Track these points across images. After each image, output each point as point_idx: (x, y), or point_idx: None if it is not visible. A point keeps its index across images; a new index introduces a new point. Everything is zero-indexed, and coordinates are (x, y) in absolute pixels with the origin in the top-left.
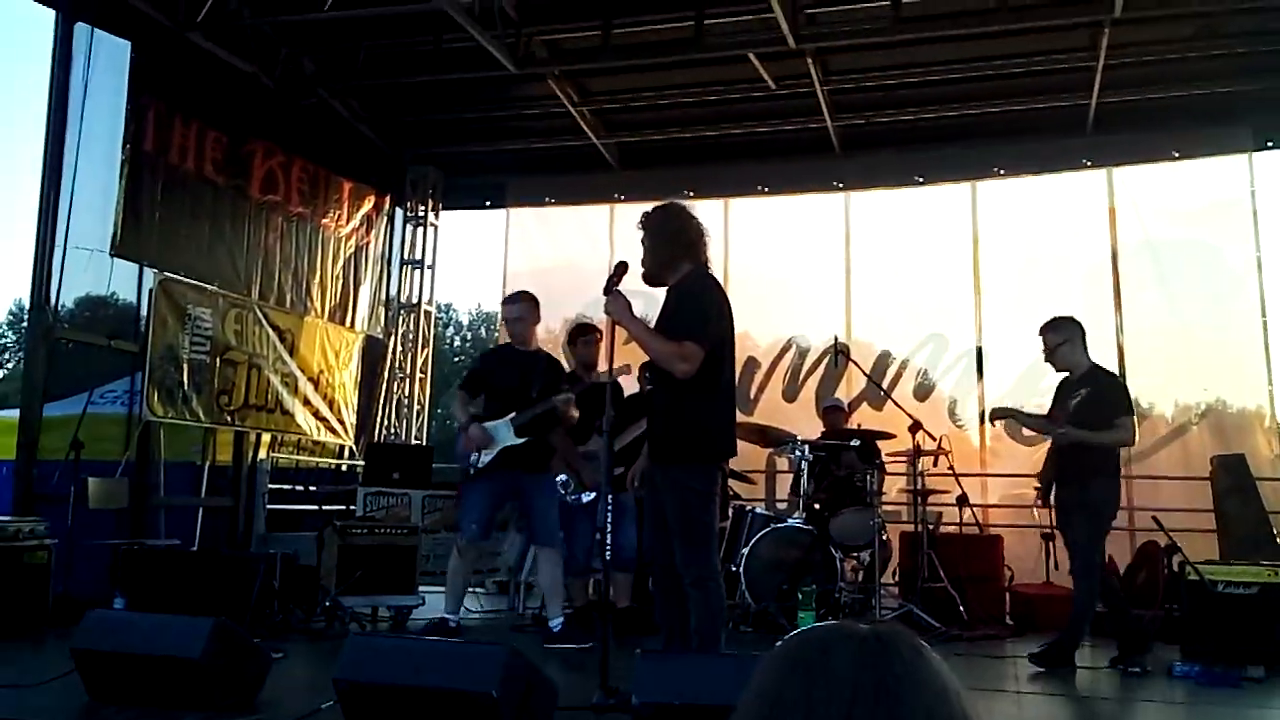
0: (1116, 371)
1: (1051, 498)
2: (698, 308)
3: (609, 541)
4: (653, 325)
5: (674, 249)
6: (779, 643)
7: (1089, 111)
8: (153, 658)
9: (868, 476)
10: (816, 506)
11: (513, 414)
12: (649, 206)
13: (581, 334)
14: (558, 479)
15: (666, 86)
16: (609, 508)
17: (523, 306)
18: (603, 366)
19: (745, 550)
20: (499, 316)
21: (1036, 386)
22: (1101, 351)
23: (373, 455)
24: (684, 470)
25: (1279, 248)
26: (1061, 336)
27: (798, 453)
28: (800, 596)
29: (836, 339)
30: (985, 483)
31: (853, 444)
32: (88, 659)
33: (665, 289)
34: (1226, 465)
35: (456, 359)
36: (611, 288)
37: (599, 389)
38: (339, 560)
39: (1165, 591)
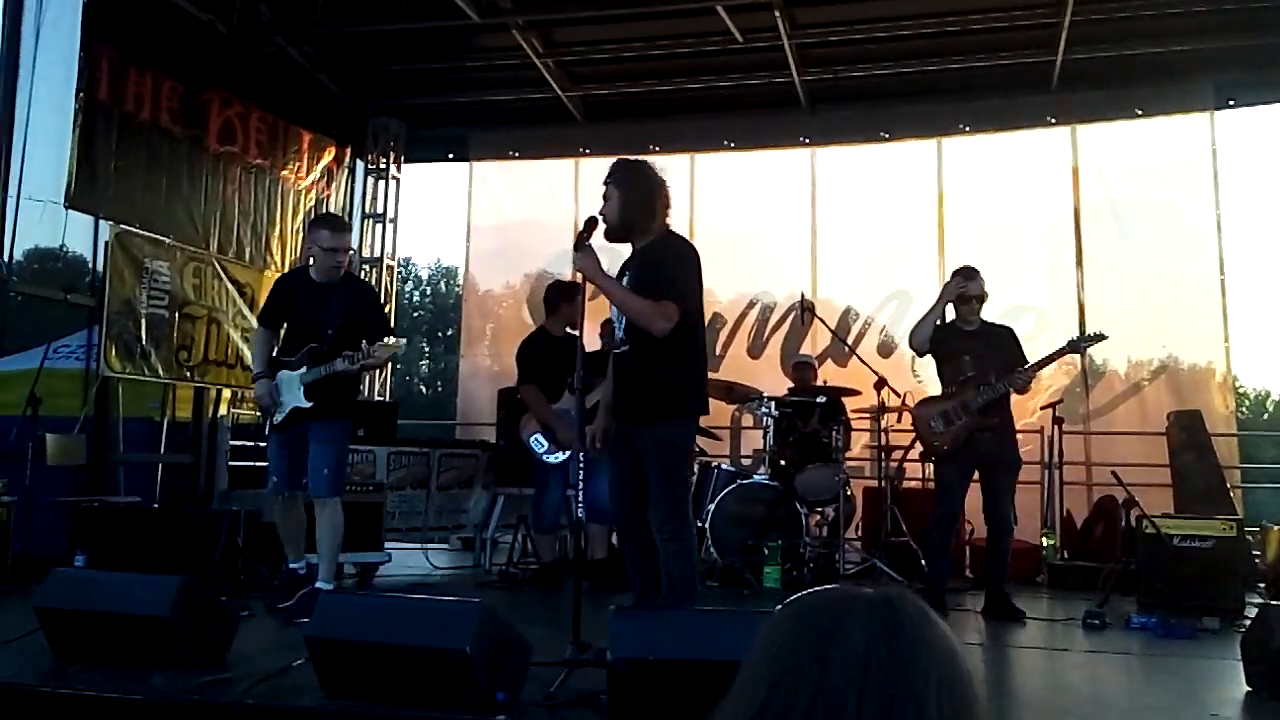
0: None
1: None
2: (683, 269)
3: (581, 498)
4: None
5: (646, 209)
6: (782, 606)
7: (1054, 68)
8: (120, 616)
9: (833, 432)
10: (782, 463)
11: (303, 368)
12: (614, 160)
13: (566, 293)
14: (531, 438)
15: (633, 39)
16: (580, 464)
17: (348, 236)
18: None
19: (711, 506)
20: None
21: None
22: (1063, 308)
23: None
24: (668, 426)
25: (1238, 207)
26: None
27: (764, 409)
28: (766, 552)
29: (803, 295)
30: None
31: (818, 400)
32: (52, 618)
33: (630, 246)
34: (1182, 421)
35: (416, 314)
36: (582, 243)
37: (568, 345)
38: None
39: (1123, 545)
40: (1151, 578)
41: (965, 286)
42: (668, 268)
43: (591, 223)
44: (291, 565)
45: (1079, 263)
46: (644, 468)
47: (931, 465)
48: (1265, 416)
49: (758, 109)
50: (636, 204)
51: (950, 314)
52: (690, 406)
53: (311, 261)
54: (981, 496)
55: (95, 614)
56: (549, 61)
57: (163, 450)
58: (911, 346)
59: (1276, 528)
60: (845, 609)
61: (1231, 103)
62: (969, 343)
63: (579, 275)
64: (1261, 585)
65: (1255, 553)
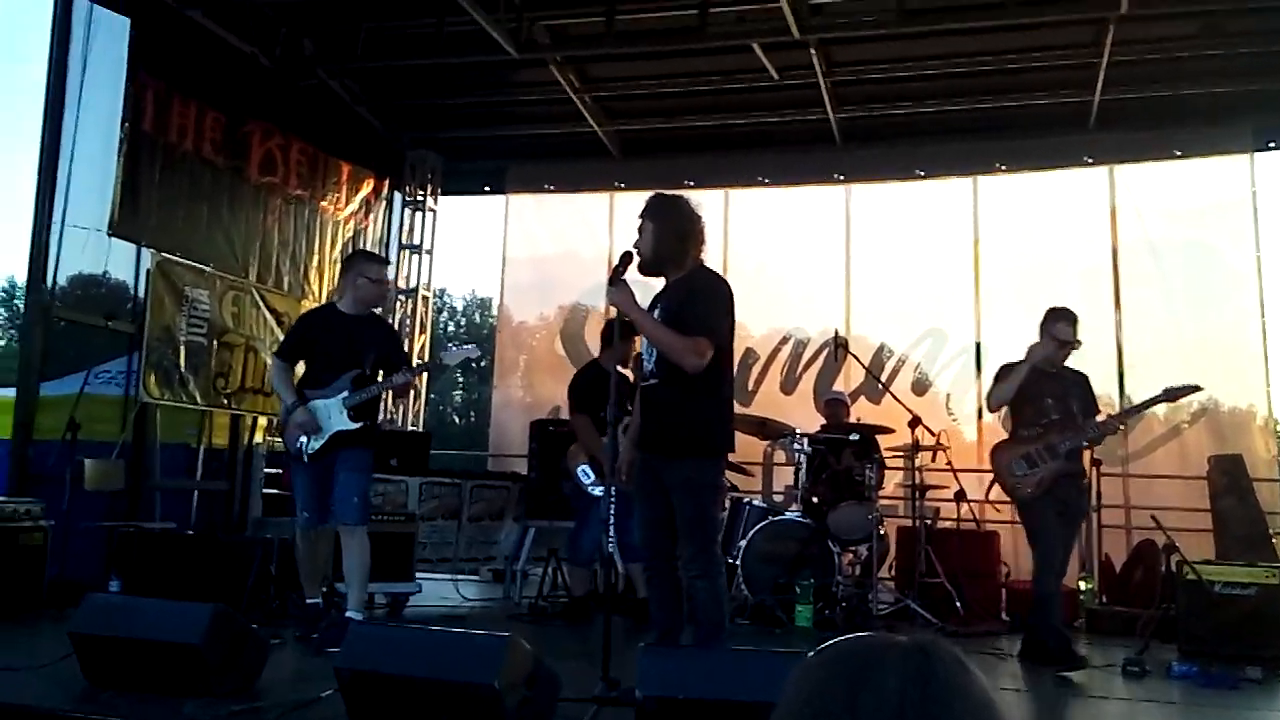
0: (1115, 370)
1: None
2: (715, 304)
3: (612, 534)
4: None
5: (679, 244)
6: (814, 652)
7: (1092, 108)
8: (152, 643)
9: (866, 470)
10: (815, 500)
11: (345, 392)
12: (649, 195)
13: (622, 330)
14: (579, 468)
15: (669, 75)
16: (612, 500)
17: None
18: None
19: (742, 543)
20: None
21: None
22: (1101, 350)
23: None
24: (697, 464)
25: (1279, 249)
26: None
27: (796, 446)
28: (798, 590)
29: (836, 332)
30: (982, 478)
31: (852, 438)
32: (86, 643)
33: (663, 280)
34: (1223, 465)
35: (451, 344)
36: (617, 277)
37: (606, 378)
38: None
39: (1162, 590)
40: (1192, 625)
41: (1068, 337)
42: (701, 303)
43: (627, 257)
44: (310, 600)
45: (1117, 304)
46: (672, 503)
47: (967, 506)
48: None
49: (792, 145)
50: (671, 238)
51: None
52: (719, 443)
53: (340, 295)
54: None
55: (128, 640)
56: (585, 97)
57: (199, 477)
58: (989, 401)
59: None
60: (879, 656)
61: (1272, 145)
62: (1051, 386)
63: (613, 309)
64: None
65: None
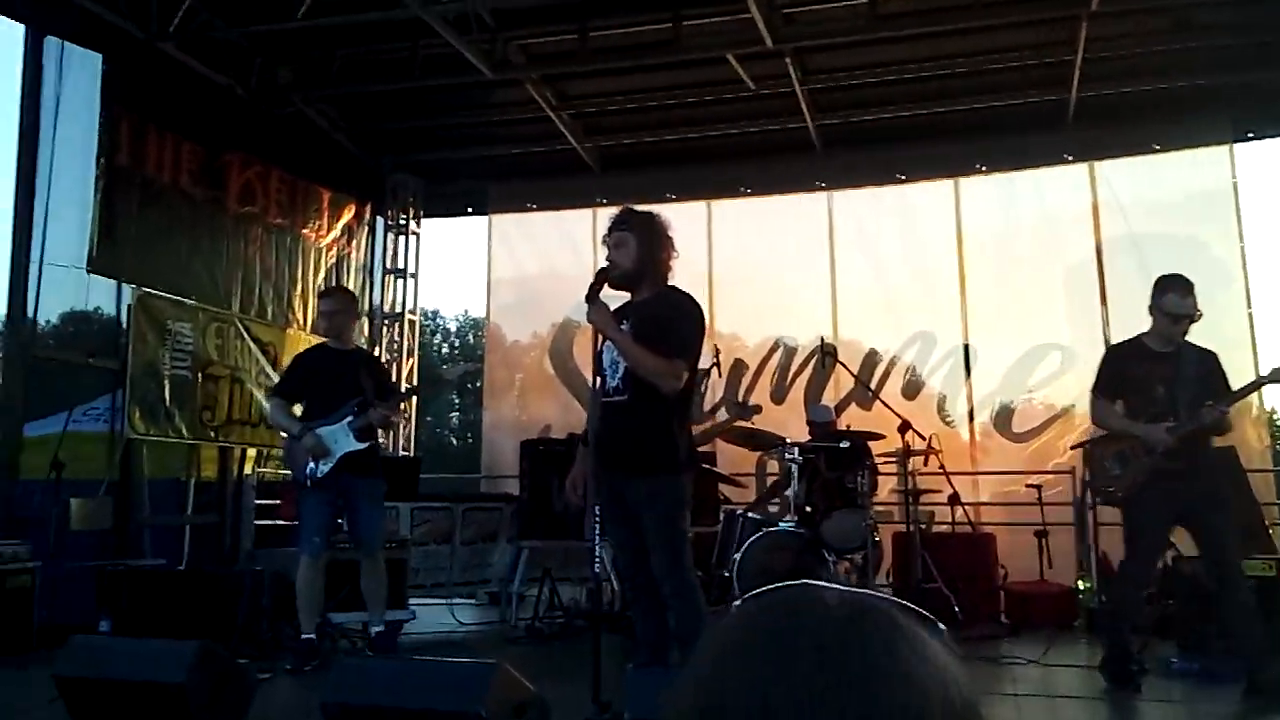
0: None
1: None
2: (691, 327)
3: (599, 552)
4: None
5: (655, 260)
6: (727, 619)
7: (1069, 106)
8: (136, 683)
9: (858, 477)
10: (808, 509)
11: (349, 417)
12: (621, 209)
13: None
14: None
15: (646, 89)
16: (596, 518)
17: (340, 299)
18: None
19: (737, 556)
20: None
21: (1024, 382)
22: (1089, 346)
23: None
24: (665, 480)
25: (1263, 239)
26: None
27: (787, 456)
28: None
29: (823, 340)
30: (977, 481)
31: (842, 445)
32: (72, 686)
33: (629, 294)
34: None
35: (444, 366)
36: (594, 295)
37: None
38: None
39: (1160, 587)
40: (1190, 620)
41: (1183, 310)
42: (679, 325)
43: (603, 274)
44: (305, 635)
45: (1103, 299)
46: (641, 523)
47: (961, 510)
48: None
49: (772, 154)
50: (653, 253)
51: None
52: (687, 460)
53: (324, 328)
54: (1197, 547)
55: (113, 681)
56: (564, 114)
57: (189, 511)
58: (1092, 411)
59: None
60: (796, 626)
61: (1250, 135)
62: (1162, 368)
63: (590, 327)
64: None
65: None
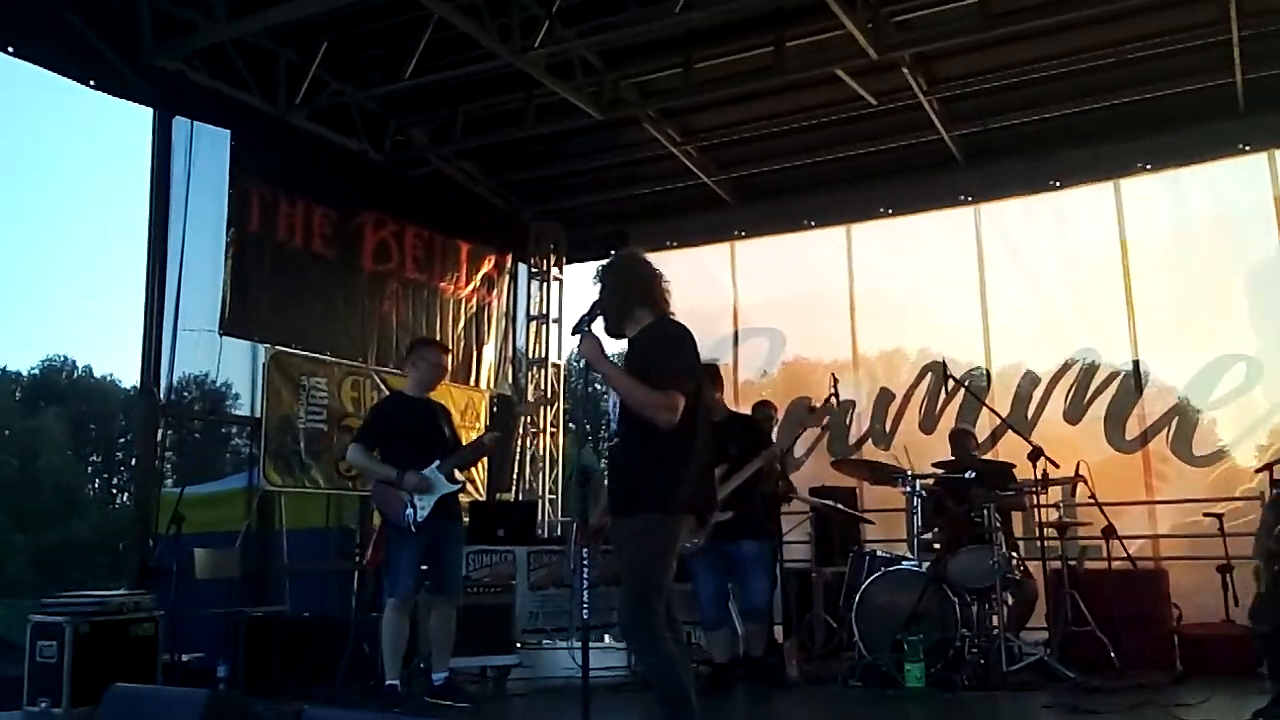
0: None
1: None
2: (679, 356)
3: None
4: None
5: (626, 299)
6: None
7: (1237, 90)
8: None
9: (985, 511)
10: (936, 546)
11: (437, 462)
12: (770, 241)
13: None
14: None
15: (769, 116)
16: (585, 563)
17: (447, 357)
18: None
19: (856, 597)
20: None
21: (1205, 399)
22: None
23: (477, 513)
24: (646, 521)
25: None
26: None
27: (909, 488)
28: (906, 647)
29: (944, 364)
30: (1154, 510)
31: (967, 476)
32: None
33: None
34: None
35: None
36: (584, 326)
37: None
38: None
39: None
40: None
41: None
42: (667, 356)
43: (595, 307)
44: (390, 682)
45: None
46: None
47: (1119, 544)
48: None
49: (910, 171)
50: (614, 297)
51: None
52: (673, 499)
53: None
54: None
55: None
56: (689, 149)
57: (330, 559)
58: None
59: None
60: None
61: None
62: None
63: (582, 360)
64: None
65: None
